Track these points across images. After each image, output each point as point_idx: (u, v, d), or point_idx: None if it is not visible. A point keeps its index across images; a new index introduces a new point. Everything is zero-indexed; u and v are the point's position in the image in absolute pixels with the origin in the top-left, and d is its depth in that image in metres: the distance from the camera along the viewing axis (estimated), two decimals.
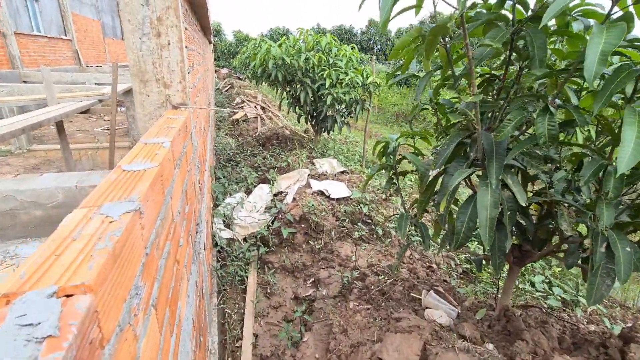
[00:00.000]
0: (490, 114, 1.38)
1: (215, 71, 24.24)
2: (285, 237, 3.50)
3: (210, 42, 10.10)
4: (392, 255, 3.39)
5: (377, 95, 12.49)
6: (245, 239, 3.75)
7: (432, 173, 1.50)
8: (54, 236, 0.52)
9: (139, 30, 1.57)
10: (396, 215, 3.81)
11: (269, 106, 10.82)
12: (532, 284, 2.77)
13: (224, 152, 6.45)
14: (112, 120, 4.19)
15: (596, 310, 2.77)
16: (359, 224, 3.70)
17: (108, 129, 8.86)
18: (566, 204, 1.28)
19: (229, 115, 10.62)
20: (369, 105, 5.05)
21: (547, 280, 3.01)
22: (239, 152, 6.53)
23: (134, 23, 1.55)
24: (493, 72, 1.42)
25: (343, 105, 4.87)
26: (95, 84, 10.17)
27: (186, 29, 2.03)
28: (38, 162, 6.09)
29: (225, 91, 17.24)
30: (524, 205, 1.17)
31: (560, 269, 3.28)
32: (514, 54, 1.23)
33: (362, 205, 3.89)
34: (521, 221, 1.49)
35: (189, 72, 1.94)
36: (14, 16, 10.87)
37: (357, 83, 4.64)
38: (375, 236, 3.65)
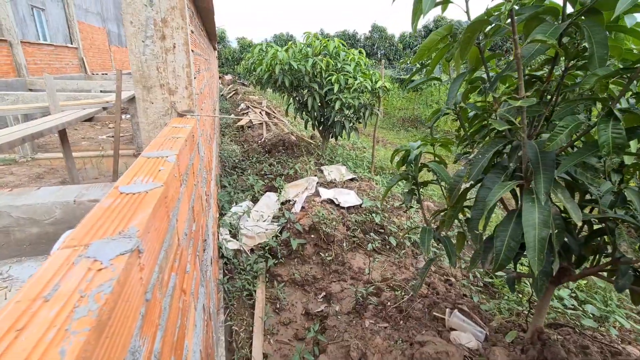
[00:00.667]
0: (532, 120, 1.23)
1: (220, 77, 24.35)
2: (294, 248, 3.35)
3: (215, 49, 10.08)
4: (406, 267, 3.22)
5: (386, 100, 12.35)
6: (252, 250, 3.61)
7: (465, 185, 1.35)
8: (21, 295, 0.39)
9: (142, 33, 1.45)
10: (413, 226, 3.65)
11: (274, 112, 10.75)
12: (560, 298, 2.59)
13: (229, 159, 6.34)
14: (117, 128, 4.10)
15: (626, 327, 2.58)
16: (371, 233, 3.54)
17: (113, 137, 8.83)
18: (622, 221, 1.13)
19: (233, 122, 10.55)
20: (378, 110, 4.92)
21: (573, 294, 2.83)
22: (245, 159, 6.42)
23: (137, 25, 1.44)
24: (532, 72, 1.29)
25: (351, 111, 4.75)
26: (101, 91, 10.17)
27: (192, 32, 1.91)
28: (42, 170, 6.03)
29: (230, 97, 17.25)
30: (579, 224, 1.02)
31: (586, 281, 3.10)
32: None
33: (373, 214, 3.74)
34: (565, 238, 1.34)
35: (195, 78, 1.82)
36: (21, 25, 10.95)
37: (366, 88, 4.52)
38: (388, 247, 3.49)
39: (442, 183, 1.93)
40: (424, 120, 12.22)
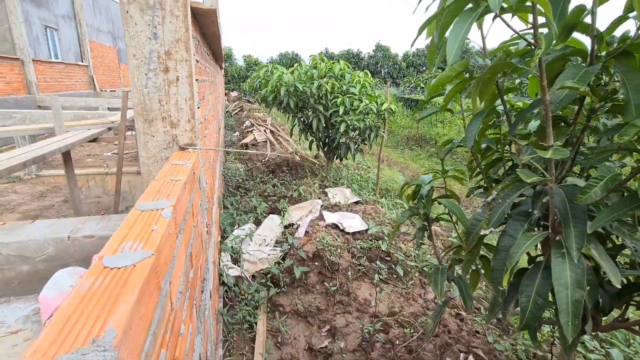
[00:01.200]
0: (556, 164, 1.15)
1: (226, 94, 24.74)
2: (297, 277, 3.23)
3: (221, 68, 10.23)
4: (414, 299, 3.07)
5: (390, 120, 12.35)
6: (254, 276, 3.49)
7: (485, 232, 1.26)
8: None
9: (145, 66, 1.41)
10: (421, 257, 3.52)
11: (278, 130, 10.79)
12: (581, 342, 2.43)
13: (233, 178, 6.29)
14: (120, 149, 4.07)
15: None
16: (377, 262, 3.41)
17: (117, 153, 8.86)
18: None
19: (238, 139, 10.59)
20: (383, 132, 4.87)
21: (593, 332, 2.66)
22: (248, 178, 6.36)
23: (140, 58, 1.39)
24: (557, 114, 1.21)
25: (356, 132, 4.71)
26: (108, 108, 10.30)
27: (197, 62, 1.88)
28: (45, 189, 6.01)
29: (235, 114, 17.43)
30: (618, 287, 0.91)
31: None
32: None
33: (379, 241, 3.61)
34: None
35: (198, 107, 1.77)
36: (34, 44, 11.24)
37: (372, 110, 4.49)
38: (395, 275, 3.35)
39: (454, 218, 1.84)
40: (428, 139, 12.21)
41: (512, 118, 1.28)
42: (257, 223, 4.54)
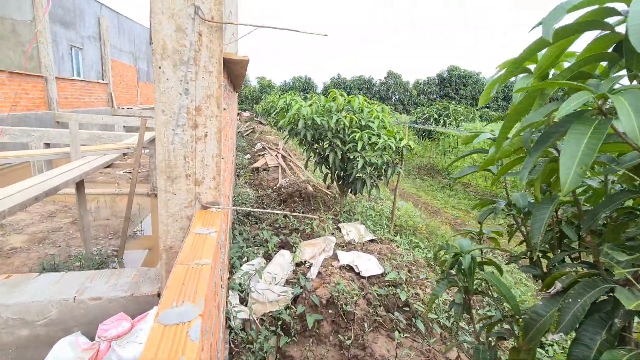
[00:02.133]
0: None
1: (238, 114, 25.19)
2: (310, 326, 3.01)
3: (236, 91, 10.39)
4: (436, 359, 2.83)
5: (411, 158, 12.16)
6: (262, 319, 3.29)
7: (553, 337, 1.08)
8: None
9: (173, 122, 1.32)
10: (440, 310, 3.30)
11: (290, 156, 10.77)
12: None
13: (244, 204, 6.18)
14: (134, 177, 4.01)
15: None
16: (395, 312, 3.19)
17: (129, 172, 8.87)
18: None
19: (249, 162, 10.58)
20: (401, 168, 4.75)
21: None
22: (259, 205, 6.24)
23: (169, 114, 1.31)
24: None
25: (373, 168, 4.59)
26: (124, 127, 10.44)
27: (224, 109, 1.80)
28: (55, 208, 5.96)
29: (247, 135, 17.60)
30: None
31: None
32: None
33: (397, 288, 3.40)
34: None
35: (223, 158, 1.67)
36: (59, 62, 11.64)
37: (390, 147, 4.39)
38: (414, 329, 3.12)
39: (494, 291, 1.66)
40: (440, 169, 12.04)
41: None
42: (267, 257, 4.37)
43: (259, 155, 11.24)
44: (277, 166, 9.41)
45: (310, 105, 4.71)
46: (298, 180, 7.37)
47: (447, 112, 12.03)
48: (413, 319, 3.12)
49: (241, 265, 4.11)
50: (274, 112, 5.39)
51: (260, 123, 22.27)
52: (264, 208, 6.02)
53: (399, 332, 2.96)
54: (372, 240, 4.60)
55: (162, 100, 1.30)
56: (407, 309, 3.27)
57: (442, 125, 11.70)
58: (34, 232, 5.00)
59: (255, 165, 9.69)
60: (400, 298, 3.28)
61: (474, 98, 36.36)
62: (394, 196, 5.10)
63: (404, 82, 40.17)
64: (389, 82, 39.38)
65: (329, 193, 6.37)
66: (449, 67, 38.83)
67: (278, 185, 7.38)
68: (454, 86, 37.62)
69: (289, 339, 2.99)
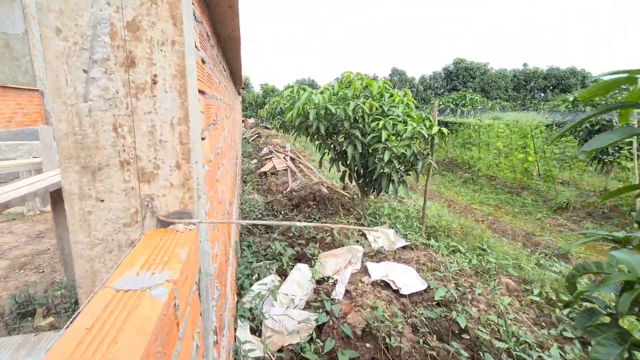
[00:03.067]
0: None
1: (243, 121, 24.81)
2: None
3: (239, 94, 9.81)
4: None
5: (444, 148, 11.29)
6: (280, 357, 2.59)
7: None
8: None
9: (84, 52, 0.65)
10: (509, 334, 2.55)
11: (299, 157, 10.12)
12: None
13: (251, 213, 5.52)
14: None
15: None
16: (452, 343, 2.45)
17: None
18: None
19: (256, 168, 9.96)
20: (432, 160, 4.03)
21: None
22: (269, 213, 5.58)
23: (72, 36, 0.64)
24: None
25: (399, 161, 3.88)
26: None
27: (204, 63, 1.13)
28: (45, 227, 5.40)
29: (252, 140, 17.08)
30: None
31: None
32: None
33: (450, 308, 2.67)
34: None
35: (204, 138, 1.00)
36: None
37: (421, 134, 3.68)
38: None
39: None
40: (460, 163, 11.19)
41: None
42: (282, 273, 3.69)
43: (266, 159, 10.61)
44: (286, 169, 8.76)
45: (322, 92, 4.03)
46: (310, 183, 6.68)
47: (463, 101, 11.20)
48: (480, 353, 2.38)
49: (251, 285, 3.43)
50: (281, 108, 4.72)
51: (266, 128, 21.78)
52: (274, 215, 5.35)
53: None
54: (404, 247, 3.88)
55: (55, 7, 0.63)
56: (466, 336, 2.53)
57: (460, 115, 10.89)
58: (16, 256, 4.42)
59: (263, 169, 9.06)
60: (457, 322, 2.55)
61: (483, 89, 35.25)
62: (424, 193, 4.37)
63: (410, 78, 39.27)
64: (393, 80, 38.57)
65: (346, 194, 5.67)
66: (455, 60, 37.85)
67: (289, 189, 6.71)
68: (462, 79, 36.60)
69: None
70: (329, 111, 3.86)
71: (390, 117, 3.79)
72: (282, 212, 5.25)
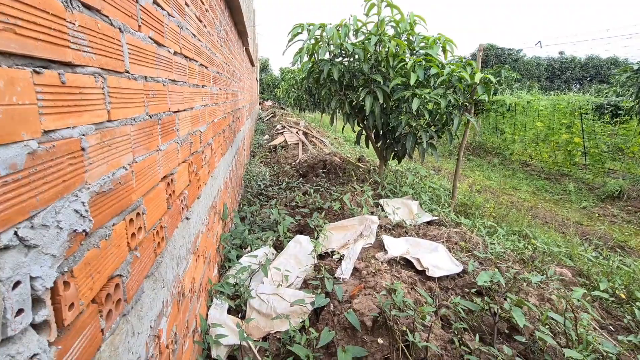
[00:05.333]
0: None
1: (260, 103, 24.25)
2: None
3: (253, 65, 9.11)
4: None
5: (488, 102, 10.07)
6: (263, 348, 1.95)
7: None
8: None
9: None
10: (584, 340, 1.78)
11: (311, 131, 9.39)
12: None
13: (254, 183, 4.89)
14: None
15: None
16: (503, 344, 1.72)
17: None
18: None
19: (267, 142, 9.32)
20: (472, 118, 3.22)
21: None
22: (273, 183, 4.93)
23: None
24: None
25: (430, 115, 3.09)
26: None
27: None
28: None
29: (267, 119, 16.53)
30: None
31: None
32: None
33: (493, 298, 1.92)
34: None
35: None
36: None
37: (464, 80, 2.87)
38: None
39: None
40: (489, 148, 10.12)
41: None
42: (279, 247, 3.04)
43: (278, 134, 9.94)
44: (297, 143, 8.06)
45: (337, 28, 3.25)
46: (322, 153, 5.97)
47: (498, 78, 10.09)
48: (532, 352, 1.63)
49: (239, 257, 2.79)
50: (295, 79, 4.00)
51: (281, 108, 21.17)
52: (279, 186, 4.70)
53: None
54: (429, 223, 3.14)
55: None
56: (521, 337, 1.78)
57: (494, 94, 9.79)
58: None
59: (273, 143, 8.40)
60: (502, 317, 1.81)
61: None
62: (457, 160, 3.57)
63: None
64: None
65: (361, 166, 4.92)
66: (484, 45, 35.58)
67: (298, 160, 6.03)
68: (492, 65, 34.49)
69: None
70: (345, 50, 3.09)
71: (424, 57, 2.99)
72: (286, 181, 4.58)
